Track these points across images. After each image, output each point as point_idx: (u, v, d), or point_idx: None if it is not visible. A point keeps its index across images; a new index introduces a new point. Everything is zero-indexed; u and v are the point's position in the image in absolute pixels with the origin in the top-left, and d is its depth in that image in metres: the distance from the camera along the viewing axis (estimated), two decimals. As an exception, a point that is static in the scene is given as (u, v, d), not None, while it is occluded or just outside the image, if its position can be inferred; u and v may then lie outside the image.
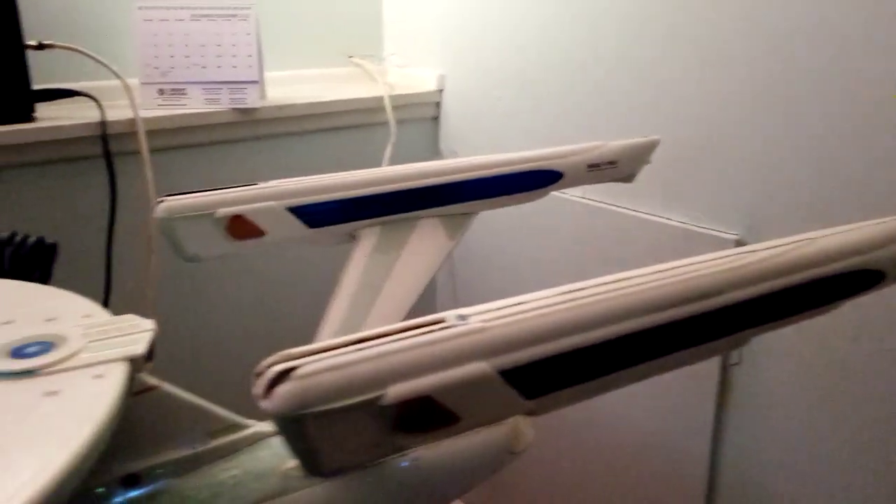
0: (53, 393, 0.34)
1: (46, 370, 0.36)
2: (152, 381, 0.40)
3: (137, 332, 0.40)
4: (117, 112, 0.93)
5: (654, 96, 0.88)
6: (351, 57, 1.25)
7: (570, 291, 0.33)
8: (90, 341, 0.38)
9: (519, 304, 0.32)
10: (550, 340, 0.31)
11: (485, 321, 0.31)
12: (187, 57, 0.99)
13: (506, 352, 0.31)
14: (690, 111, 0.84)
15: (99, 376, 0.36)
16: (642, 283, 0.34)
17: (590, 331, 0.32)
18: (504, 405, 0.32)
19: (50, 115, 0.91)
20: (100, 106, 0.91)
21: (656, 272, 0.35)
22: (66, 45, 0.92)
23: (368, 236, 0.59)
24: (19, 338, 0.39)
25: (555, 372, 0.32)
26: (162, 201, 0.53)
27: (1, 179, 0.88)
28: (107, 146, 0.91)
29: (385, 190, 0.60)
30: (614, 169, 0.69)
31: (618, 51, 0.91)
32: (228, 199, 0.54)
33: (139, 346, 0.39)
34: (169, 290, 1.01)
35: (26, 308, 0.44)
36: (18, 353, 0.38)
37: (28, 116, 0.89)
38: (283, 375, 0.27)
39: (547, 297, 0.33)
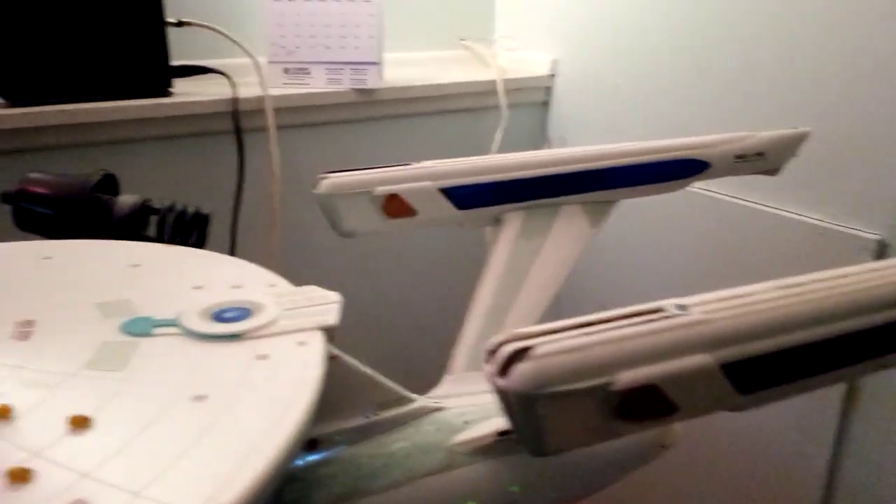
0: (264, 356, 0.36)
1: (251, 335, 0.38)
2: (334, 350, 0.41)
3: (326, 303, 0.41)
4: (247, 90, 0.96)
5: (794, 85, 0.84)
6: (462, 40, 1.25)
7: (788, 287, 0.32)
8: (285, 310, 0.40)
9: (739, 296, 0.31)
10: (773, 336, 0.30)
11: (707, 312, 0.30)
12: (312, 37, 1.02)
13: (729, 345, 0.30)
14: (828, 100, 0.80)
15: (302, 343, 0.37)
16: (861, 281, 0.33)
17: (812, 328, 0.31)
18: (717, 399, 0.31)
19: (184, 91, 0.95)
20: (232, 83, 0.95)
21: (872, 270, 0.34)
22: (203, 22, 0.95)
23: (513, 220, 0.60)
24: (216, 302, 0.41)
25: (772, 368, 0.31)
26: (324, 178, 0.55)
27: (137, 151, 0.93)
28: (237, 122, 0.94)
29: (531, 175, 0.59)
30: (761, 161, 0.67)
31: (756, 38, 0.87)
32: (386, 178, 0.55)
33: (331, 317, 0.40)
34: (291, 264, 1.05)
35: (212, 275, 0.46)
36: (219, 317, 0.40)
37: (165, 91, 0.93)
38: (518, 354, 0.28)
39: (765, 291, 0.32)
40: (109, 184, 0.64)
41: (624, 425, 0.30)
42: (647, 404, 0.29)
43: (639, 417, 0.30)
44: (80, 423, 0.29)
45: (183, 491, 0.26)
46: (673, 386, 0.29)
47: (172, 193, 1.00)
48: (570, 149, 0.63)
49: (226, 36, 0.97)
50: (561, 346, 0.28)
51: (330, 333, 0.39)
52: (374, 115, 1.07)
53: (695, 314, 0.30)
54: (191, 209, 0.63)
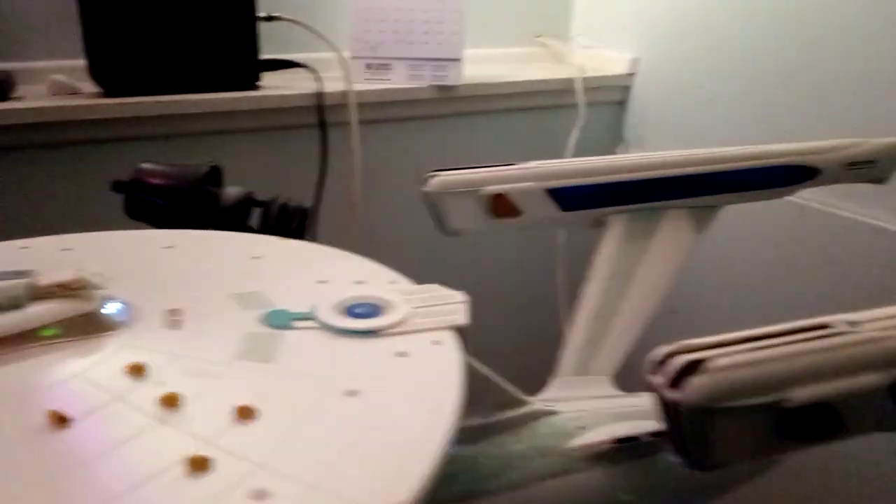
0: (403, 354, 0.36)
1: (387, 332, 0.38)
2: (458, 350, 0.41)
3: (453, 303, 0.42)
4: (331, 84, 0.97)
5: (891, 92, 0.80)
6: (538, 37, 1.24)
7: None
8: (414, 308, 0.40)
9: (910, 314, 0.30)
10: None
11: (879, 330, 0.29)
12: (395, 32, 1.02)
13: (901, 365, 0.29)
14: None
15: (437, 343, 0.37)
16: None
17: None
18: (880, 419, 0.30)
19: (271, 85, 0.96)
20: (318, 77, 0.96)
21: None
22: (291, 17, 0.97)
23: (616, 224, 0.59)
24: (347, 297, 0.41)
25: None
26: (433, 176, 0.55)
27: (224, 143, 0.95)
28: (322, 116, 0.96)
29: (636, 177, 0.59)
30: (871, 169, 0.64)
31: (858, 39, 0.84)
32: (494, 177, 0.55)
33: (460, 317, 0.40)
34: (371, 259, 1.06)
35: (333, 269, 0.47)
36: (351, 312, 0.40)
37: (253, 85, 0.95)
38: (691, 367, 0.27)
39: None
40: (215, 175, 0.65)
41: (789, 443, 0.29)
42: (817, 423, 0.28)
43: (806, 436, 0.29)
44: (246, 414, 0.30)
45: (358, 486, 0.26)
46: (844, 405, 0.28)
47: (256, 186, 1.03)
48: (675, 152, 0.62)
49: (313, 31, 0.98)
50: (736, 360, 0.27)
51: (463, 333, 0.39)
52: (452, 111, 1.07)
53: (867, 332, 0.29)
54: (293, 202, 0.65)
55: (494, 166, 0.57)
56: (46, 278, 0.33)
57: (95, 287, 0.34)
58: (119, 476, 0.26)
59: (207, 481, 0.26)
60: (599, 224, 0.60)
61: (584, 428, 0.46)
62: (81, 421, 0.28)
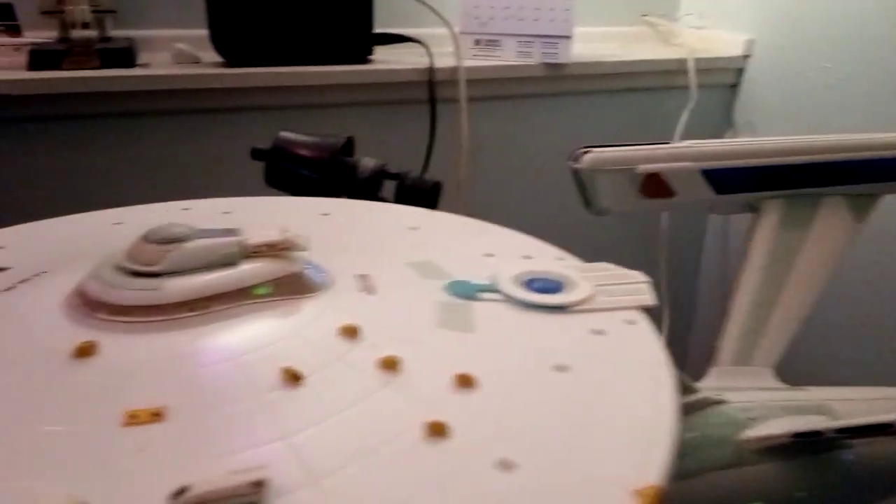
0: (599, 332, 0.35)
1: (575, 308, 0.37)
2: (633, 331, 0.40)
3: (635, 282, 0.40)
4: (441, 60, 0.96)
5: None
6: (644, 16, 1.20)
7: None
8: (596, 285, 0.39)
9: None
10: None
11: None
12: (506, 8, 1.00)
13: None
14: None
15: (631, 322, 0.36)
16: None
17: None
18: None
19: (382, 59, 0.96)
20: (429, 52, 0.95)
21: None
22: (403, -9, 0.96)
23: (771, 209, 0.56)
24: (525, 271, 0.40)
25: None
26: (586, 152, 0.53)
27: (336, 116, 0.95)
28: (433, 92, 0.95)
29: (794, 161, 0.56)
30: None
31: None
32: (650, 156, 0.53)
33: (647, 297, 0.39)
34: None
35: (496, 243, 0.46)
36: (531, 287, 0.39)
37: (365, 59, 0.95)
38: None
39: None
40: (350, 146, 0.65)
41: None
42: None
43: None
44: (466, 382, 0.29)
45: (603, 465, 0.25)
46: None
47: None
48: (831, 136, 0.58)
49: (425, 5, 0.97)
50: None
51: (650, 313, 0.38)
52: (560, 90, 1.05)
53: None
54: (427, 176, 0.64)
55: (648, 145, 0.55)
56: (255, 238, 0.33)
57: (301, 248, 0.34)
58: (356, 436, 0.26)
59: (448, 448, 0.26)
60: (753, 209, 0.57)
61: (754, 419, 0.44)
62: (310, 378, 0.28)
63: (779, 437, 0.42)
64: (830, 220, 0.56)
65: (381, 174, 0.63)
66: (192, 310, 0.30)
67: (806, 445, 0.42)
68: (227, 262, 0.32)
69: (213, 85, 0.86)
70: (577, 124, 1.07)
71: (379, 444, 0.26)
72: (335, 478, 0.24)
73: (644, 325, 0.36)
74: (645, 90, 1.11)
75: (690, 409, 0.43)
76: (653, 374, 0.31)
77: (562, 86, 1.03)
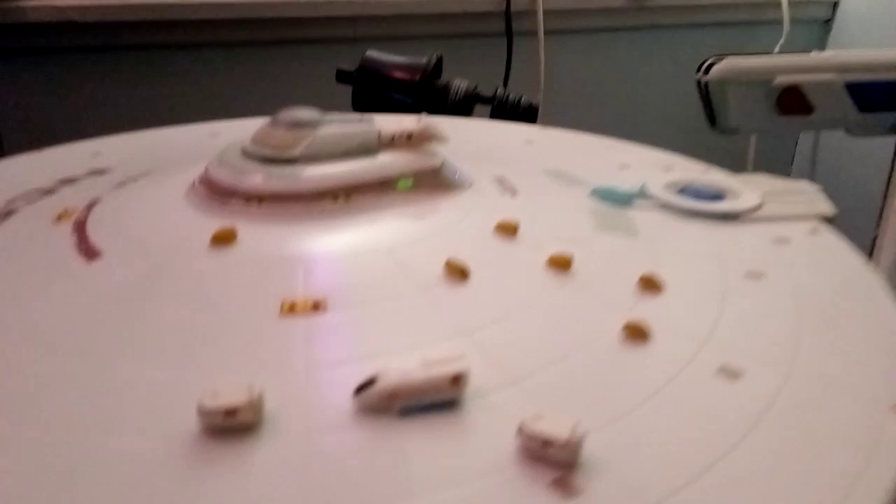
0: (784, 240, 0.30)
1: (747, 217, 0.33)
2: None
3: (805, 192, 0.35)
4: (516, -11, 0.90)
5: None
6: (732, -55, 1.11)
7: None
8: (763, 193, 0.35)
9: None
10: None
11: None
12: (588, -67, 0.93)
13: None
14: None
15: (814, 232, 0.32)
16: None
17: None
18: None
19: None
20: (506, -20, 0.89)
21: None
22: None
23: (919, 130, 0.50)
24: (676, 180, 0.36)
25: None
26: (716, 62, 0.48)
27: (407, 49, 0.91)
28: (509, 23, 0.89)
29: (950, 76, 0.49)
30: None
31: None
32: (789, 66, 0.47)
33: (825, 205, 0.34)
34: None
35: (627, 156, 0.41)
36: (687, 195, 0.35)
37: (438, -13, 0.90)
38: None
39: None
40: (439, 67, 0.61)
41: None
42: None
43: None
44: (651, 285, 0.25)
45: (852, 377, 0.21)
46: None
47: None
48: None
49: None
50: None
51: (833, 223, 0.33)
52: (645, 23, 0.98)
53: None
54: (524, 98, 0.59)
55: (783, 55, 0.49)
56: (394, 127, 0.29)
57: (442, 138, 0.30)
58: (545, 338, 0.22)
59: (653, 353, 0.22)
60: (894, 133, 0.52)
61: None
62: (477, 275, 0.24)
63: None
64: None
65: (473, 96, 0.59)
66: (333, 199, 0.27)
67: None
68: (366, 151, 0.28)
69: (305, 14, 0.82)
70: (660, 62, 1.00)
71: (573, 348, 0.22)
72: (533, 381, 0.20)
73: (831, 236, 0.31)
74: (735, 25, 1.03)
75: None
76: (866, 286, 0.26)
77: (646, 18, 0.96)
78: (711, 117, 0.49)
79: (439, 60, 0.59)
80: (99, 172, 0.35)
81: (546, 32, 0.91)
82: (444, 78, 0.60)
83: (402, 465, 0.17)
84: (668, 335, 0.23)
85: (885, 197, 0.51)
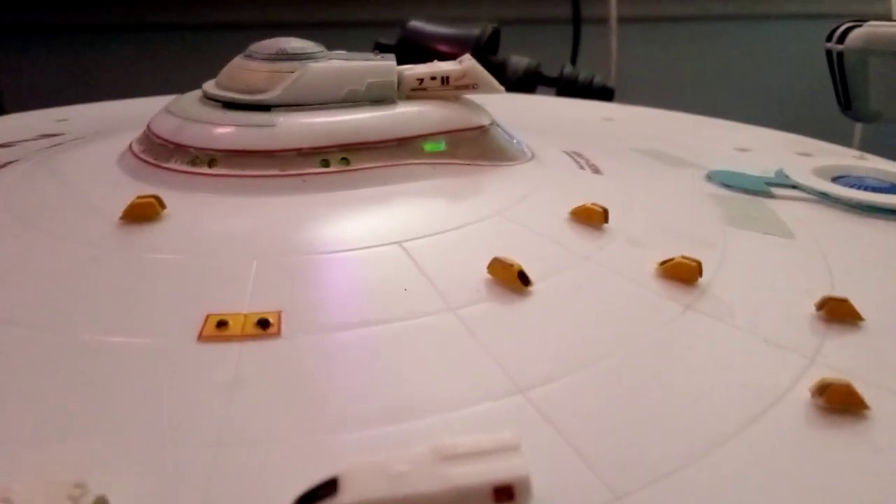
0: None
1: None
2: None
3: None
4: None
5: None
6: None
7: None
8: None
9: None
10: None
11: None
12: None
13: None
14: None
15: None
16: None
17: None
18: None
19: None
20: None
21: None
22: None
23: None
24: (828, 166, 0.26)
25: None
26: (855, 26, 0.37)
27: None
28: (577, 9, 0.80)
29: None
30: None
31: None
32: (957, 30, 0.36)
33: None
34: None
35: (745, 137, 0.31)
36: (854, 185, 0.24)
37: (498, -31, 0.81)
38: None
39: None
40: (495, 39, 0.52)
41: None
42: None
43: None
44: (839, 313, 0.15)
45: None
46: None
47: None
48: None
49: None
50: None
51: None
52: (730, 12, 0.86)
53: None
54: (597, 80, 0.50)
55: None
56: (425, 69, 0.20)
57: (491, 87, 0.21)
58: (674, 394, 0.13)
59: (877, 429, 0.12)
60: None
61: None
62: (542, 285, 0.15)
63: None
64: None
65: (535, 75, 0.49)
66: (323, 164, 0.18)
67: None
68: (380, 98, 0.19)
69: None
70: (747, 54, 0.89)
71: (725, 425, 0.12)
72: (670, 483, 0.10)
73: None
74: (834, 17, 0.90)
75: None
76: None
77: (732, 7, 0.85)
78: (846, 98, 0.38)
79: (496, 32, 0.50)
80: (47, 136, 0.27)
81: (620, 20, 0.81)
82: (502, 55, 0.51)
83: None
84: (885, 397, 0.13)
85: None
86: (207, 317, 0.13)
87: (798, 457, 0.11)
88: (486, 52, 0.49)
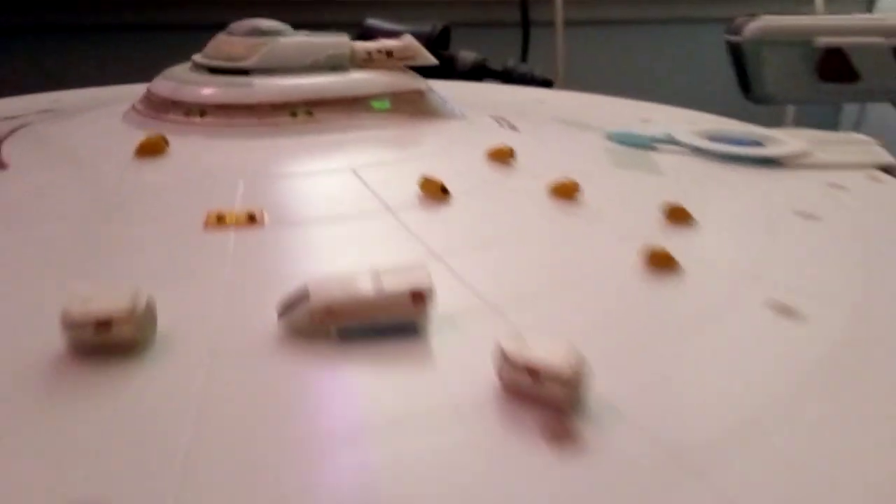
0: (838, 186, 0.26)
1: (793, 164, 0.28)
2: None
3: (858, 142, 0.30)
4: (535, -23, 0.86)
5: None
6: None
7: None
8: (809, 142, 0.30)
9: None
10: None
11: None
12: (609, -79, 0.90)
13: None
14: None
15: (874, 179, 0.27)
16: None
17: None
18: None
19: (468, -23, 0.87)
20: (523, -33, 0.85)
21: None
22: None
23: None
24: (707, 129, 0.31)
25: None
26: (749, 21, 0.43)
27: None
28: (525, 12, 0.85)
29: None
30: None
31: None
32: (832, 27, 0.42)
33: (884, 154, 0.29)
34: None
35: (650, 110, 0.37)
36: (723, 141, 0.30)
37: (451, -25, 0.86)
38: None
39: None
40: (445, 37, 0.57)
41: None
42: None
43: None
44: (680, 217, 0.20)
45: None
46: None
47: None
48: None
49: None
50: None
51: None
52: (675, 16, 0.93)
53: None
54: (537, 72, 0.55)
55: (824, 16, 0.44)
56: (372, 44, 0.25)
57: (425, 59, 0.26)
58: (545, 266, 0.17)
59: (681, 284, 0.17)
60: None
61: None
62: (459, 198, 0.20)
63: None
64: None
65: (482, 68, 0.55)
66: (292, 115, 0.22)
67: None
68: (335, 66, 0.24)
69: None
70: (688, 58, 0.96)
71: (577, 277, 0.17)
72: (526, 310, 0.15)
73: (893, 183, 0.26)
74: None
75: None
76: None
77: (674, 11, 0.92)
78: (745, 84, 0.44)
79: (446, 30, 0.55)
80: (46, 111, 0.31)
81: (567, 23, 0.87)
82: (452, 51, 0.56)
83: (339, 403, 0.12)
84: (701, 268, 0.18)
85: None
86: (209, 213, 0.17)
87: (628, 302, 0.16)
88: (437, 47, 0.54)
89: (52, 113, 0.29)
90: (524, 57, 0.86)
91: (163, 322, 0.14)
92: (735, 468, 0.11)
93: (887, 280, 0.18)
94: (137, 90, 0.26)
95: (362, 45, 0.24)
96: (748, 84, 0.43)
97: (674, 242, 0.19)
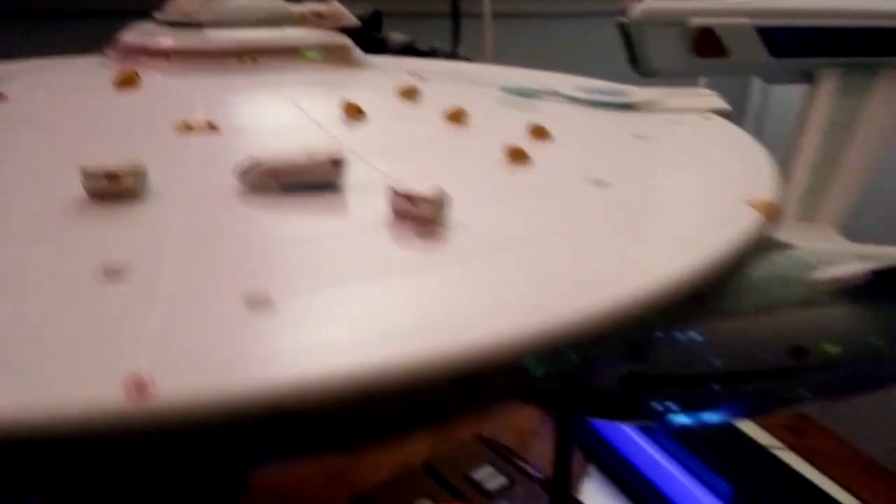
0: (677, 122, 0.32)
1: (645, 108, 0.34)
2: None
3: (700, 93, 0.38)
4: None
5: None
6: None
7: None
8: (662, 93, 0.36)
9: None
10: None
11: None
12: (533, -78, 0.97)
13: None
14: None
15: (708, 118, 0.33)
16: None
17: None
18: None
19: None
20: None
21: None
22: None
23: (828, 79, 0.53)
24: (580, 84, 0.38)
25: None
26: (636, 4, 0.50)
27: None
28: (456, 4, 0.91)
29: (860, 24, 0.53)
30: None
31: None
32: (702, 9, 0.50)
33: (719, 101, 0.36)
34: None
35: (542, 77, 0.43)
36: (592, 92, 0.36)
37: (386, -30, 0.92)
38: None
39: None
40: (377, 20, 0.62)
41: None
42: None
43: None
44: (541, 133, 0.26)
45: (713, 187, 0.23)
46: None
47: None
48: None
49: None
50: None
51: (727, 117, 0.35)
52: (596, 9, 1.01)
53: None
54: (461, 53, 0.61)
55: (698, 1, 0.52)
56: (301, 7, 0.31)
57: (350, 20, 0.31)
58: (434, 160, 0.23)
59: (534, 170, 0.23)
60: (809, 78, 0.54)
61: (827, 264, 0.41)
62: (374, 118, 0.25)
63: (854, 276, 0.39)
64: (891, 94, 0.53)
65: (410, 50, 0.60)
66: (240, 60, 0.27)
67: (885, 288, 0.39)
68: (275, 23, 0.29)
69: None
70: (612, 49, 1.04)
71: (460, 165, 0.23)
72: (414, 180, 0.21)
73: (720, 122, 0.33)
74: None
75: (755, 251, 0.41)
76: (745, 146, 0.28)
77: (597, 5, 1.00)
78: (633, 59, 0.52)
79: (377, 14, 0.61)
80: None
81: (496, 15, 0.94)
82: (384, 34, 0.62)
83: (282, 224, 0.18)
84: (547, 161, 0.24)
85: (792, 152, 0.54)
86: (179, 122, 0.22)
87: (488, 176, 0.22)
88: (369, 29, 0.60)
89: (28, 67, 0.33)
90: (455, 47, 0.92)
91: (154, 181, 0.19)
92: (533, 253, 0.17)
93: (671, 171, 0.25)
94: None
95: (297, 7, 0.30)
96: (636, 60, 0.51)
97: (531, 148, 0.25)
